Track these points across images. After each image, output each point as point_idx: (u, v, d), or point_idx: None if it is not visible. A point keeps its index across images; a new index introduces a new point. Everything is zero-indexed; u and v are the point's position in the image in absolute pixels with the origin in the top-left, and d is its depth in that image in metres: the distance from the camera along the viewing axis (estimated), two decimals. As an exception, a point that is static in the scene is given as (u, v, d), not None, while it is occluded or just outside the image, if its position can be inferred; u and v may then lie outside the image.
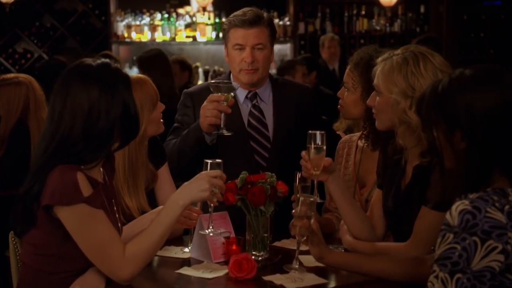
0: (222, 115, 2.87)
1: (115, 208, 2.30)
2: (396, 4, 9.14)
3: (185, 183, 2.27)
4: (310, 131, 2.50)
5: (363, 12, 9.47)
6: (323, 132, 2.51)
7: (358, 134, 3.07)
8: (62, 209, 2.09)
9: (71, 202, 2.07)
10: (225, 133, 2.88)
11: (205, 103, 2.91)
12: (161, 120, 2.95)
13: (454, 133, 1.82)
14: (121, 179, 2.81)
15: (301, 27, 9.34)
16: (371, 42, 9.01)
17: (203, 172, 2.30)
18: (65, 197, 2.07)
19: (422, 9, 9.43)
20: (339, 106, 3.02)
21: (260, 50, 3.10)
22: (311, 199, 2.34)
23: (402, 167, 2.53)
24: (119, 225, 2.31)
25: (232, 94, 2.88)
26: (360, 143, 3.02)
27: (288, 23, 9.32)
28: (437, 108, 1.86)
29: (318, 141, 2.49)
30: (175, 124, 3.24)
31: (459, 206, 1.70)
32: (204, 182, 2.24)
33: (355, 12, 9.45)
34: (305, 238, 2.34)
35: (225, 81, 2.98)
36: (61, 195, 2.07)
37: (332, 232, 2.93)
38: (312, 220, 2.32)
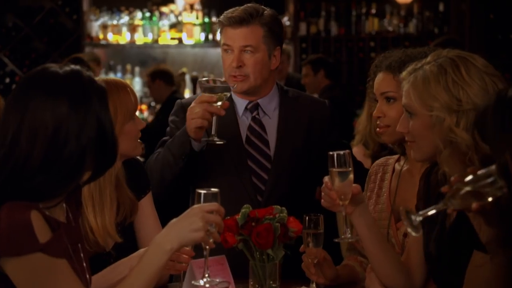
0: (214, 118, 2.81)
1: (81, 255, 2.11)
2: (412, 2, 9.26)
3: (173, 221, 2.10)
4: (330, 152, 2.34)
5: (373, 11, 9.50)
6: (348, 151, 2.34)
7: (395, 156, 2.89)
8: (11, 261, 1.90)
9: (22, 251, 1.89)
10: (217, 141, 2.80)
11: (193, 103, 2.85)
12: (139, 141, 2.79)
13: None
14: (86, 195, 2.64)
15: (303, 27, 9.39)
16: (383, 45, 9.09)
17: (195, 206, 2.12)
18: (15, 244, 1.88)
19: (441, 7, 9.46)
20: (379, 130, 2.77)
21: (250, 54, 3.04)
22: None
23: None
24: (88, 276, 2.12)
25: (226, 94, 2.81)
26: (398, 166, 2.84)
27: (287, 23, 9.35)
28: (508, 121, 1.72)
29: (344, 163, 2.31)
30: (164, 138, 3.16)
31: None
32: (197, 220, 2.07)
33: (364, 10, 9.49)
34: None
35: (218, 79, 2.93)
36: (10, 243, 1.88)
37: (356, 281, 2.78)
38: None
